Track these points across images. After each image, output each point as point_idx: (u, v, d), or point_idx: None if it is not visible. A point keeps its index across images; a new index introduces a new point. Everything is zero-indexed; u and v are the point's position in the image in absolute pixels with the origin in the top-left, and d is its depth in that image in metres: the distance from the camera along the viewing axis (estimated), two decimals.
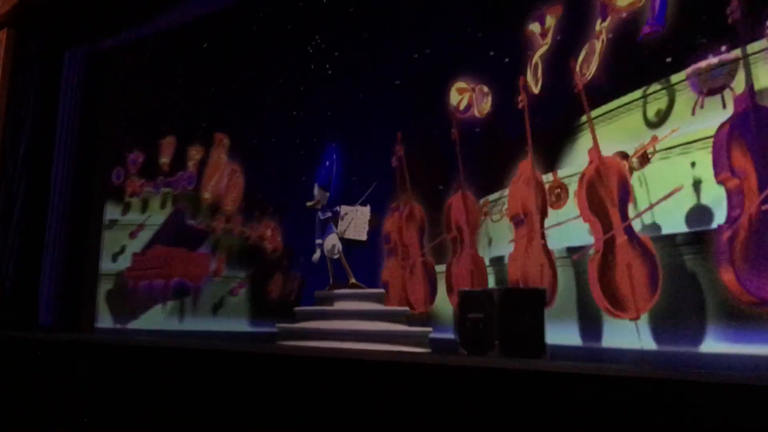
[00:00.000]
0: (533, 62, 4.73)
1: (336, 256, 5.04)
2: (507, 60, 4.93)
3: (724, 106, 3.68)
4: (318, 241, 5.11)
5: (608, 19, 4.29)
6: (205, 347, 4.62)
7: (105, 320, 7.87)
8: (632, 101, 4.19)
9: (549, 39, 4.67)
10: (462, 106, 5.16)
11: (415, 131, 5.53)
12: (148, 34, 7.88)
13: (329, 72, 6.23)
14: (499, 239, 4.98)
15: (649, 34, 4.09)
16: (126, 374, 4.67)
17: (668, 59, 4.01)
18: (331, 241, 5.04)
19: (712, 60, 3.73)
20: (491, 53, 5.02)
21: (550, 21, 4.67)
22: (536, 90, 4.70)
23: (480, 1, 5.20)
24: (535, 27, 4.75)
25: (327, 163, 5.17)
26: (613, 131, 4.27)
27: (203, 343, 5.10)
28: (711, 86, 3.73)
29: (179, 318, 7.16)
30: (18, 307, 7.51)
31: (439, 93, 5.32)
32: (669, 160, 3.92)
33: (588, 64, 4.37)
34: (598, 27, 4.36)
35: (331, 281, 5.10)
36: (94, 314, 7.92)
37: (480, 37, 5.11)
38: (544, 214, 4.61)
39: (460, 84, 5.19)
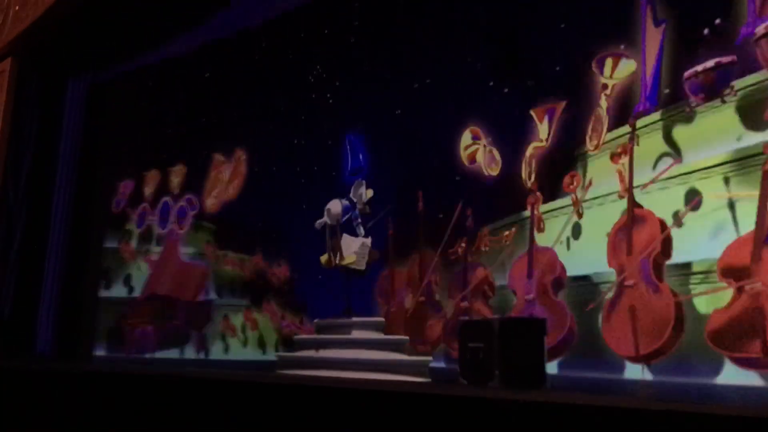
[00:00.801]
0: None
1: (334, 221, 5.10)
2: (506, 90, 4.95)
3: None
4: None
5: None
6: (204, 376, 4.60)
7: (102, 348, 7.84)
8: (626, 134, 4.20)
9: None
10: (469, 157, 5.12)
11: (414, 162, 5.55)
12: (151, 63, 7.95)
13: (330, 101, 6.28)
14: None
15: (642, 113, 4.10)
16: (124, 403, 4.64)
17: (666, 90, 4.04)
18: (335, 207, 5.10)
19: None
20: (491, 84, 5.05)
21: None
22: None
23: (479, 33, 5.25)
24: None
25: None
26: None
27: (202, 372, 5.08)
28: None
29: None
30: (16, 334, 7.48)
31: (439, 122, 5.35)
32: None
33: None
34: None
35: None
36: (92, 342, 7.88)
37: (479, 67, 5.14)
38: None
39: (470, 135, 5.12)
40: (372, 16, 6.04)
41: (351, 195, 5.24)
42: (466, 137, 5.09)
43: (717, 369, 3.47)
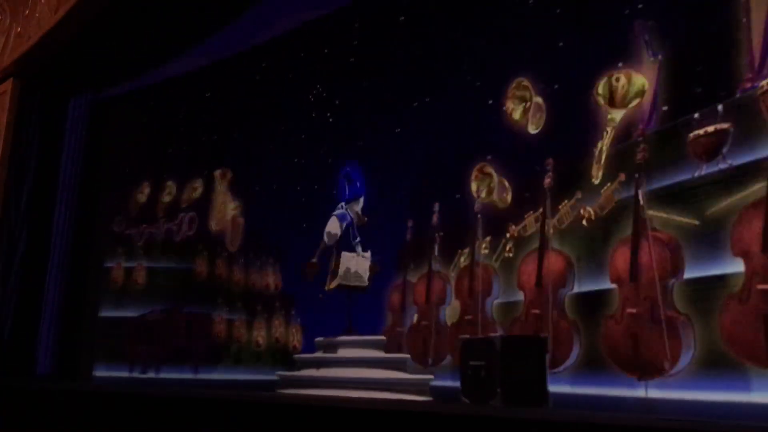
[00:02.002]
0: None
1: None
2: (505, 108, 4.98)
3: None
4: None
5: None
6: (205, 396, 4.58)
7: (103, 368, 7.81)
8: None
9: None
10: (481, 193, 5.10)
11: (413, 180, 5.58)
12: (153, 82, 7.99)
13: (330, 120, 6.31)
14: None
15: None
16: (125, 424, 4.62)
17: (665, 107, 4.07)
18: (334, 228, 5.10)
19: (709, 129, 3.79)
20: (490, 102, 5.08)
21: None
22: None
23: (476, 50, 5.28)
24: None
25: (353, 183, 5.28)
26: None
27: (203, 393, 5.06)
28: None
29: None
30: (16, 354, 7.45)
31: (438, 141, 5.37)
32: None
33: None
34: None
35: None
36: (93, 362, 7.85)
37: (478, 86, 5.17)
38: None
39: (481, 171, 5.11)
40: (371, 36, 6.09)
41: (347, 211, 5.24)
42: (477, 173, 5.10)
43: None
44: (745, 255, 3.51)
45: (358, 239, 5.11)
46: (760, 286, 3.43)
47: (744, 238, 3.52)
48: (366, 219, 5.19)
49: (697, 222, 3.78)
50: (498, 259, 4.91)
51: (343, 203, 5.21)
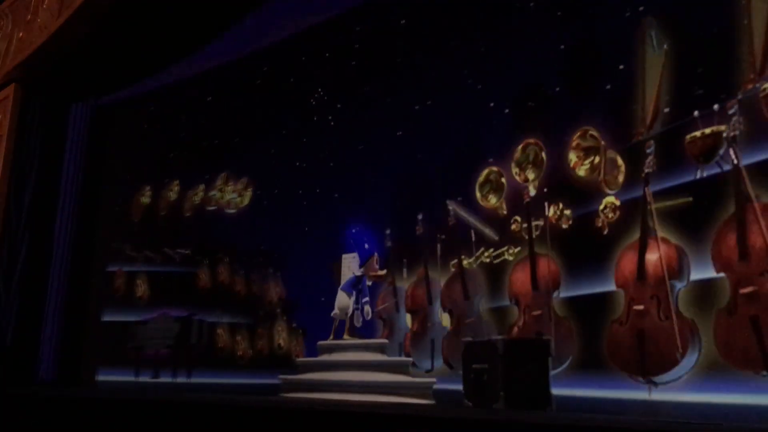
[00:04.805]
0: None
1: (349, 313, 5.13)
2: (506, 111, 4.98)
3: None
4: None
5: None
6: (210, 401, 4.58)
7: (106, 373, 7.80)
8: None
9: None
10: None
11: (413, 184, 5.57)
12: (154, 88, 8.01)
13: (331, 123, 6.31)
14: None
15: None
16: (127, 430, 4.62)
17: (666, 109, 4.07)
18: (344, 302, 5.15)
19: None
20: (491, 104, 5.08)
21: None
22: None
23: (477, 53, 5.28)
24: None
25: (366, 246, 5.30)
26: None
27: (207, 398, 5.06)
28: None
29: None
30: (18, 360, 7.45)
31: (440, 143, 5.37)
32: None
33: None
34: None
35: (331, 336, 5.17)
36: (95, 368, 7.84)
37: (480, 89, 5.17)
38: None
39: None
40: (372, 39, 6.09)
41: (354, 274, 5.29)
42: (485, 177, 5.04)
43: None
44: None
45: (367, 299, 5.14)
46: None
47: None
48: (386, 272, 5.23)
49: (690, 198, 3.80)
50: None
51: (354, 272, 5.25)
